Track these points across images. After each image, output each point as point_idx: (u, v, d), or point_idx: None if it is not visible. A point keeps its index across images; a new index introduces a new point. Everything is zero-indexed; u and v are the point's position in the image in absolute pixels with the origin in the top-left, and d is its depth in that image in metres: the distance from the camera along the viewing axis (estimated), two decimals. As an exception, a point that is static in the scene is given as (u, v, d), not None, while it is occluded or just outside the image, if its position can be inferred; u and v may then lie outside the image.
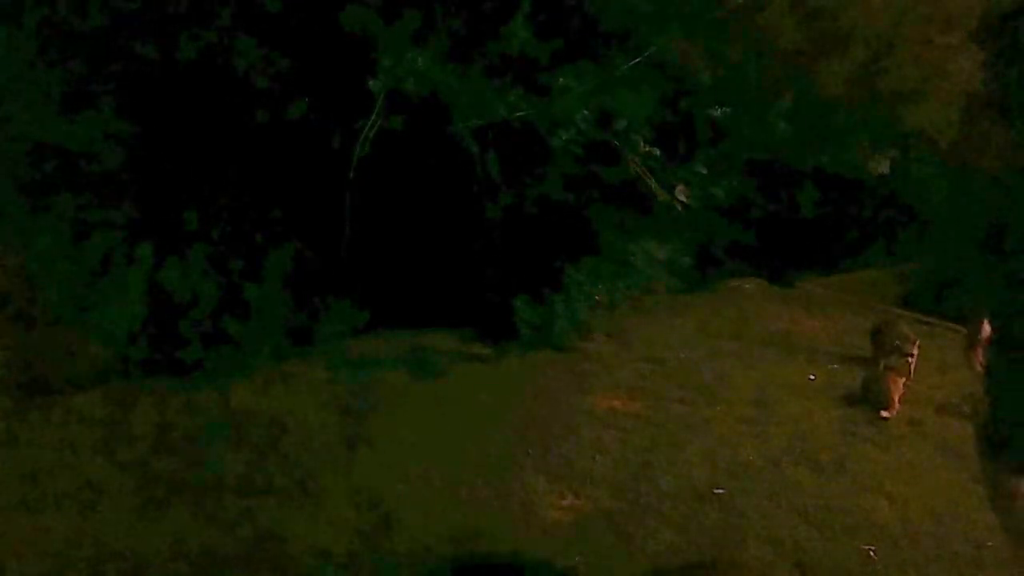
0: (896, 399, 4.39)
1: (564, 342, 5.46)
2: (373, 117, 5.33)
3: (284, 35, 5.38)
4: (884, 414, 4.33)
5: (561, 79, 5.32)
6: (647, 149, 5.55)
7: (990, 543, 3.20)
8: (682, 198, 5.67)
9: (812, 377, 5.05)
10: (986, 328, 2.58)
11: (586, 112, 5.30)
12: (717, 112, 6.01)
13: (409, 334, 5.51)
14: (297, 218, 5.45)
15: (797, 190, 7.16)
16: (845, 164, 6.84)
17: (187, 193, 5.30)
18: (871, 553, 3.12)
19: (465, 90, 5.25)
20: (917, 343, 4.82)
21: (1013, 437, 2.40)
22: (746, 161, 6.61)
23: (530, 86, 5.37)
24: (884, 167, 6.67)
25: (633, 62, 5.63)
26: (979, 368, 2.57)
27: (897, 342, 4.83)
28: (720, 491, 3.55)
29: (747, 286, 7.29)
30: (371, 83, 5.17)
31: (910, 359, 4.76)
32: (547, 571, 3.01)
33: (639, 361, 5.30)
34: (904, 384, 4.55)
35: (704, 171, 5.81)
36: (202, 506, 3.40)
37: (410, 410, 4.45)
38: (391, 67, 5.13)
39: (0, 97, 5.04)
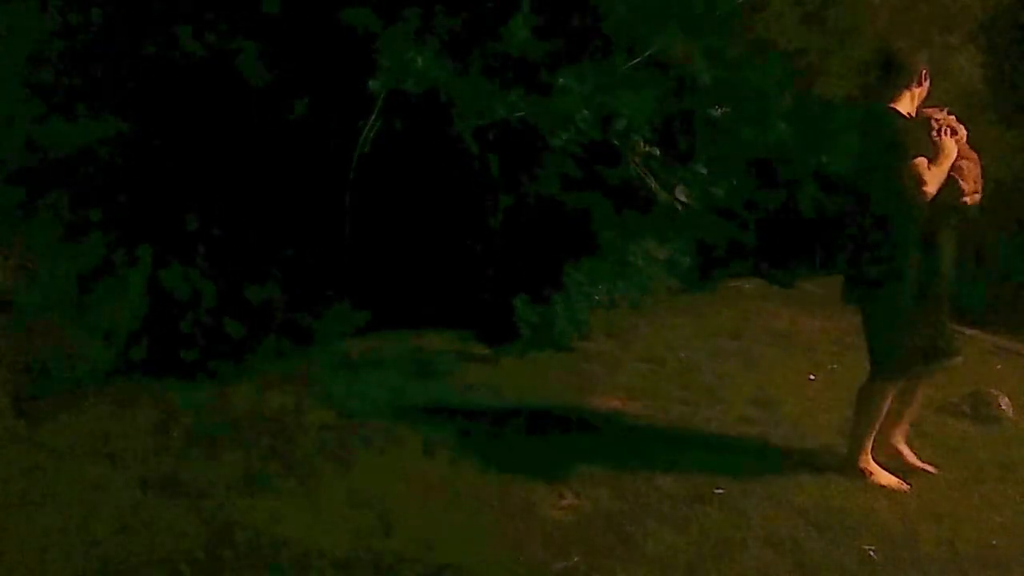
0: None
1: (564, 342, 5.46)
2: (373, 117, 5.33)
3: (284, 35, 5.38)
4: None
5: (561, 79, 5.32)
6: (647, 149, 5.55)
7: (994, 542, 3.21)
8: (682, 198, 5.67)
9: (812, 377, 5.05)
10: None
11: (586, 112, 5.30)
12: (717, 112, 6.01)
13: (409, 334, 5.51)
14: (297, 218, 5.44)
15: (797, 190, 7.16)
16: (845, 164, 6.84)
17: (187, 193, 5.30)
18: (871, 553, 3.11)
19: (465, 90, 5.25)
20: None
21: None
22: (746, 161, 6.61)
23: (530, 86, 5.36)
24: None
25: (633, 62, 5.62)
26: None
27: None
28: (720, 491, 3.55)
29: (747, 286, 7.30)
30: (371, 83, 5.16)
31: None
32: (547, 571, 3.01)
33: (639, 361, 5.30)
34: None
35: (704, 171, 5.81)
36: (201, 506, 3.40)
37: (410, 410, 4.45)
38: (391, 67, 5.12)
39: (-1, 96, 5.05)
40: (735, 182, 6.20)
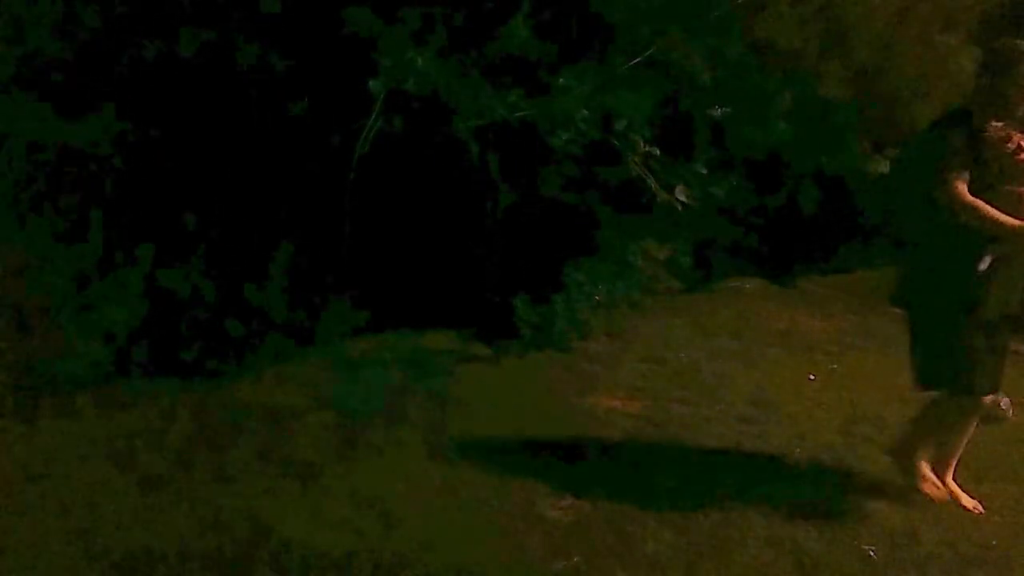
0: None
1: (564, 342, 5.46)
2: (373, 117, 5.32)
3: (284, 35, 5.38)
4: None
5: (561, 79, 5.32)
6: (647, 149, 5.55)
7: (994, 542, 3.21)
8: (682, 198, 5.67)
9: (812, 377, 5.05)
10: None
11: (586, 112, 5.30)
12: (717, 112, 6.01)
13: (409, 334, 5.51)
14: (297, 218, 5.44)
15: (797, 190, 7.16)
16: (845, 164, 6.85)
17: (187, 193, 5.30)
18: (871, 553, 3.12)
19: (465, 90, 5.25)
20: None
21: None
22: (746, 161, 6.61)
23: (530, 86, 5.36)
24: (884, 167, 6.68)
25: (633, 62, 5.62)
26: None
27: None
28: (720, 491, 3.55)
29: (747, 286, 7.29)
30: (371, 83, 5.16)
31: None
32: (547, 571, 3.01)
33: (639, 361, 5.30)
34: None
35: (704, 171, 5.81)
36: (201, 506, 3.40)
37: (410, 410, 4.45)
38: (391, 67, 5.12)
39: (-1, 96, 5.05)
40: (735, 182, 6.20)
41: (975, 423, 3.47)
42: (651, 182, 5.62)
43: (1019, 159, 3.14)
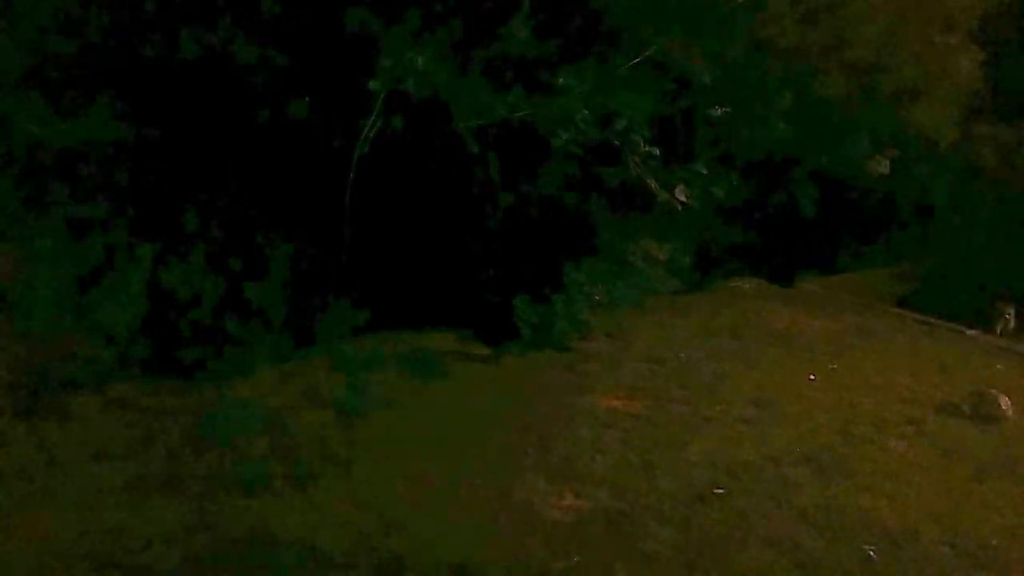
0: None
1: (564, 342, 5.46)
2: (373, 117, 5.32)
3: (284, 35, 5.38)
4: None
5: (561, 79, 5.32)
6: (647, 149, 5.55)
7: (994, 542, 3.21)
8: (682, 198, 5.67)
9: (812, 377, 5.05)
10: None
11: (586, 112, 5.30)
12: (717, 112, 6.02)
13: (409, 334, 5.51)
14: (297, 218, 5.44)
15: (797, 190, 7.17)
16: (845, 164, 6.85)
17: (187, 193, 5.30)
18: (871, 553, 3.12)
19: (465, 90, 5.25)
20: None
21: None
22: (746, 161, 6.62)
23: (530, 86, 5.36)
24: (884, 167, 6.69)
25: (633, 62, 5.63)
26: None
27: None
28: (720, 491, 3.55)
29: (747, 286, 7.30)
30: (371, 83, 5.16)
31: None
32: (547, 571, 3.01)
33: (639, 361, 5.30)
34: None
35: (704, 171, 5.81)
36: (201, 506, 3.40)
37: (410, 410, 4.45)
38: (391, 67, 5.12)
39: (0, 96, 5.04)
40: (735, 182, 6.20)
41: None
42: (651, 182, 5.62)
43: None
